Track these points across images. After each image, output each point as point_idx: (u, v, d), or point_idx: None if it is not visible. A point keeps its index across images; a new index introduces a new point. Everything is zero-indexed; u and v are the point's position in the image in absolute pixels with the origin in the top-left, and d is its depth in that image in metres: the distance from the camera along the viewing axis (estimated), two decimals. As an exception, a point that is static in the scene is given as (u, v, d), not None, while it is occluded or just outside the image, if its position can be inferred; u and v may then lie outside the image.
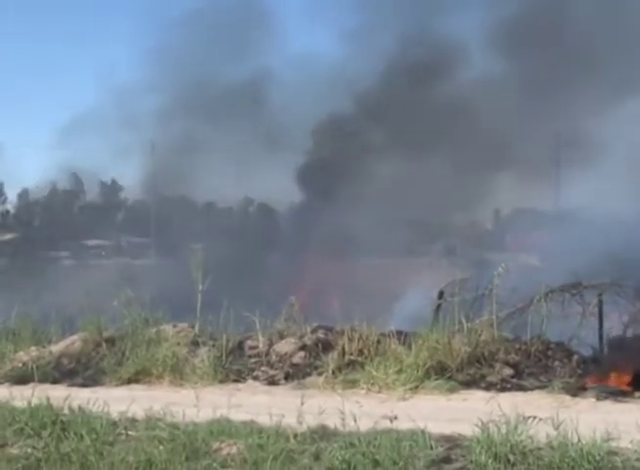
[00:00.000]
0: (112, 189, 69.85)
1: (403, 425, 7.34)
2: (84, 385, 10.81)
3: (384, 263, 36.92)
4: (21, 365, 11.44)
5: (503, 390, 9.78)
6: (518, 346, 10.65)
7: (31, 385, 9.99)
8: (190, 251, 12.43)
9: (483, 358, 10.34)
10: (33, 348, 12.02)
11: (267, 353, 11.20)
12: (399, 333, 10.80)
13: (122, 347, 11.40)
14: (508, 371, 10.22)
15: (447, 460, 6.75)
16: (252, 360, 11.16)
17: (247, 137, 47.58)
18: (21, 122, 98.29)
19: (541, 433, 6.72)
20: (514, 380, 10.08)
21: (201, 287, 11.87)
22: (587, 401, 9.09)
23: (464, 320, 10.86)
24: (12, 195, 66.99)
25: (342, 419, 7.20)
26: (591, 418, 7.48)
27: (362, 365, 10.33)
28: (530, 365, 10.41)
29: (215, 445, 7.17)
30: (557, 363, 10.42)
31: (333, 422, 7.35)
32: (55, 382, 11.03)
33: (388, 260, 37.37)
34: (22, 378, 10.97)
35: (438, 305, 11.63)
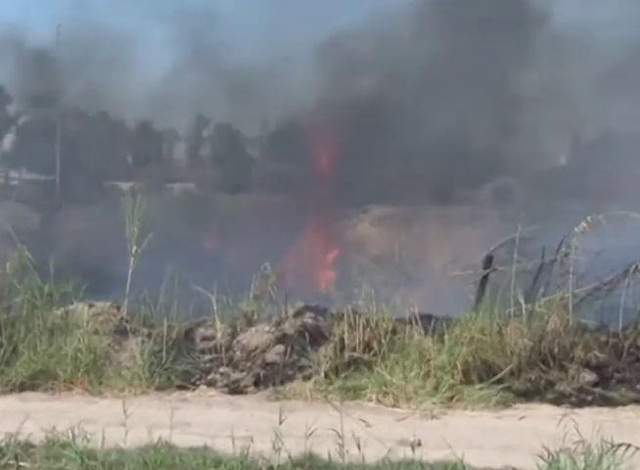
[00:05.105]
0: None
1: (432, 454, 7.38)
2: (-45, 393, 10.84)
3: (405, 214, 36.94)
4: None
5: (581, 404, 9.86)
6: (604, 338, 10.69)
7: None
8: (117, 193, 12.40)
9: (552, 357, 10.39)
10: None
11: (229, 348, 11.24)
12: (426, 318, 10.85)
13: (13, 336, 11.41)
14: (589, 376, 10.27)
15: (496, 507, 6.83)
16: (207, 358, 11.21)
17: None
18: None
19: (638, 468, 6.74)
20: (597, 389, 10.15)
21: (134, 248, 11.83)
22: None
23: (522, 300, 10.89)
24: None
25: (340, 445, 7.22)
26: None
27: (369, 365, 10.37)
28: (622, 368, 10.47)
29: (151, 481, 7.20)
30: (661, 365, 10.50)
31: (326, 449, 7.39)
32: None
33: (410, 210, 37.37)
34: None
35: (485, 278, 11.65)
